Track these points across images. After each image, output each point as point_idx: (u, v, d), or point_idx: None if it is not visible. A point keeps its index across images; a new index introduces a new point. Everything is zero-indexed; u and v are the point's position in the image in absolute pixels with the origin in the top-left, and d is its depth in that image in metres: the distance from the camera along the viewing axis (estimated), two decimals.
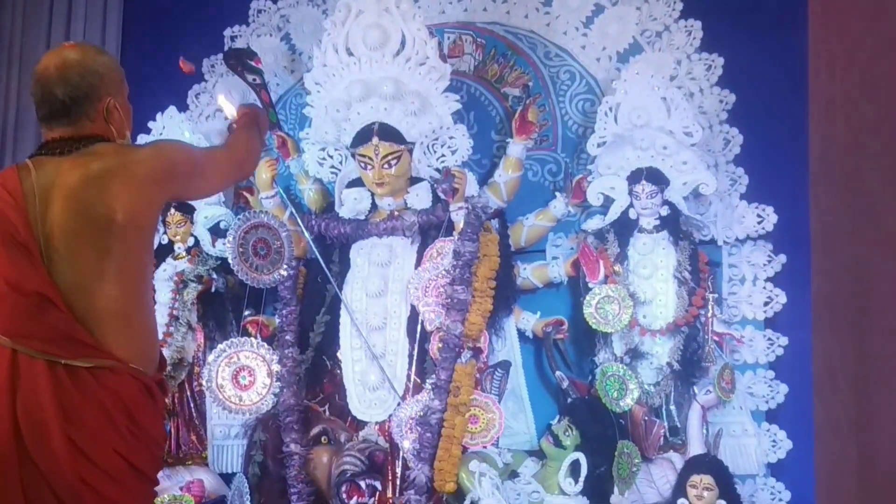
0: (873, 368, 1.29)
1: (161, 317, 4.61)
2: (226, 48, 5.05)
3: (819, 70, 1.32)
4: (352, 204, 4.45)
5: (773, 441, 4.13)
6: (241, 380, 4.35)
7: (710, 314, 4.14)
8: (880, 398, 1.21)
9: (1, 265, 2.59)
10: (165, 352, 4.49)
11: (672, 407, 4.14)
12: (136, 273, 2.67)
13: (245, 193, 4.71)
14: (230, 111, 3.37)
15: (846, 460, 1.24)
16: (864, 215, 1.31)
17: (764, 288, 4.24)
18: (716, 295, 4.21)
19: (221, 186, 3.35)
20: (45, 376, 2.52)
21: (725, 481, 3.94)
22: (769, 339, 4.21)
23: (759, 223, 4.26)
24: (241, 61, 4.82)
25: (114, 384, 2.57)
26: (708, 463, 3.98)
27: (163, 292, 4.64)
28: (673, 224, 4.25)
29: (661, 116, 4.24)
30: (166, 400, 4.33)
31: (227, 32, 5.18)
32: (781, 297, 4.21)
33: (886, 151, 1.32)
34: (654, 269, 4.21)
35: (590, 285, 4.22)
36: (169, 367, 4.52)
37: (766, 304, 4.23)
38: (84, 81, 2.69)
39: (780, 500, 4.08)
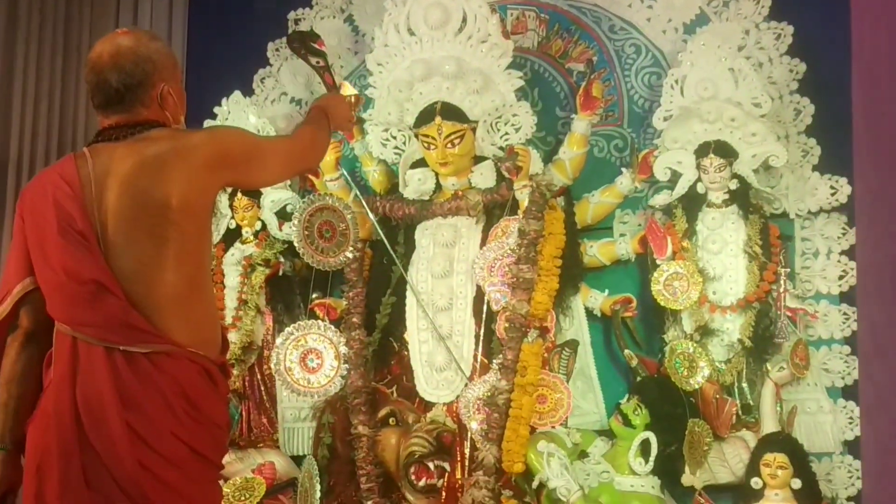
0: None
1: (230, 301, 4.66)
2: (289, 31, 5.04)
3: (863, 36, 1.24)
4: (416, 185, 4.43)
5: (850, 418, 4.01)
6: (310, 362, 4.35)
7: (782, 289, 4.05)
8: None
9: (59, 254, 2.59)
10: (234, 336, 4.53)
11: (744, 384, 4.06)
12: (193, 258, 2.65)
13: (311, 177, 4.71)
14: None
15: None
16: None
17: (838, 261, 4.13)
18: (788, 269, 4.12)
19: (282, 176, 3.26)
20: (103, 362, 2.54)
21: (800, 460, 3.86)
22: (844, 313, 4.09)
23: (833, 195, 4.14)
24: (305, 44, 4.80)
25: (171, 369, 2.57)
26: (782, 441, 3.89)
27: (231, 276, 4.68)
28: (742, 198, 4.16)
29: (728, 88, 4.16)
30: (232, 383, 4.40)
31: (291, 16, 5.18)
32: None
33: None
34: (724, 244, 4.13)
35: (658, 262, 4.15)
36: (238, 351, 4.56)
37: (840, 277, 4.11)
38: (137, 68, 2.68)
39: (858, 478, 3.96)
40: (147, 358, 2.55)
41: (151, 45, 2.75)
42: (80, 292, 2.58)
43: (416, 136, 4.37)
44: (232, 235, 4.75)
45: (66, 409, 2.54)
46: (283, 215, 4.69)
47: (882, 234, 1.28)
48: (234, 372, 4.46)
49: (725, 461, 4.01)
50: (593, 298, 4.33)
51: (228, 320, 4.57)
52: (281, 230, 4.64)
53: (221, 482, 2.97)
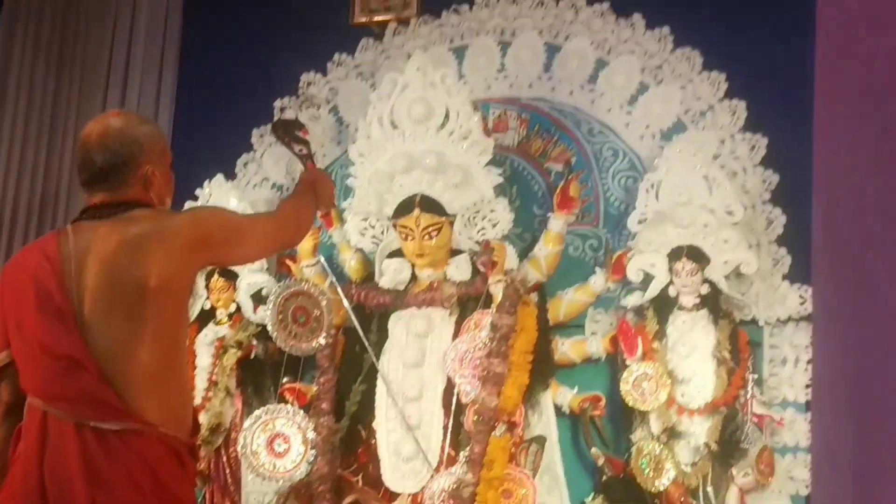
0: (874, 455, 1.23)
1: (201, 381, 4.63)
2: (274, 119, 5.09)
3: (823, 153, 1.29)
4: (392, 274, 4.44)
5: None
6: (277, 447, 4.30)
7: (749, 395, 4.06)
8: (882, 487, 1.15)
9: (35, 329, 2.59)
10: (203, 417, 4.49)
11: (709, 489, 4.02)
12: (169, 339, 2.65)
13: (287, 261, 4.72)
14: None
15: None
16: (867, 299, 1.26)
17: (805, 370, 4.12)
18: (756, 376, 4.12)
19: (263, 254, 3.30)
20: (72, 438, 2.52)
21: None
22: (810, 422, 4.10)
23: (801, 304, 4.17)
24: (289, 132, 4.83)
25: (140, 447, 2.55)
26: None
27: (203, 357, 4.66)
28: (713, 303, 4.18)
29: (702, 195, 4.20)
30: (200, 465, 4.34)
31: (277, 104, 5.22)
32: None
33: (890, 238, 1.27)
34: (693, 347, 4.13)
35: (628, 362, 4.15)
36: (206, 433, 4.50)
37: (807, 386, 4.10)
38: (124, 149, 2.70)
39: None
40: (117, 436, 2.53)
41: (140, 127, 2.78)
42: (54, 367, 2.57)
43: (395, 226, 4.38)
44: (206, 316, 4.73)
45: (34, 484, 2.52)
46: (258, 298, 4.68)
47: (837, 349, 1.30)
48: (201, 454, 4.41)
49: None
50: (562, 395, 4.31)
51: (198, 401, 4.53)
52: (255, 313, 4.63)
53: None
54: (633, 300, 4.30)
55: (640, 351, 4.15)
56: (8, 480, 2.57)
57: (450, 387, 4.22)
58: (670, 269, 4.21)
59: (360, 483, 4.29)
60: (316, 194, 3.10)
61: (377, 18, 5.17)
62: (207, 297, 4.74)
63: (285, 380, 4.48)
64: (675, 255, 4.20)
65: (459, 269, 4.35)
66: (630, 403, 4.09)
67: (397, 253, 4.45)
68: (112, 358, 2.56)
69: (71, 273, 2.59)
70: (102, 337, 2.57)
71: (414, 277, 4.42)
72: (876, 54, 1.45)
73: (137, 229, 2.61)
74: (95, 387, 2.54)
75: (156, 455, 2.57)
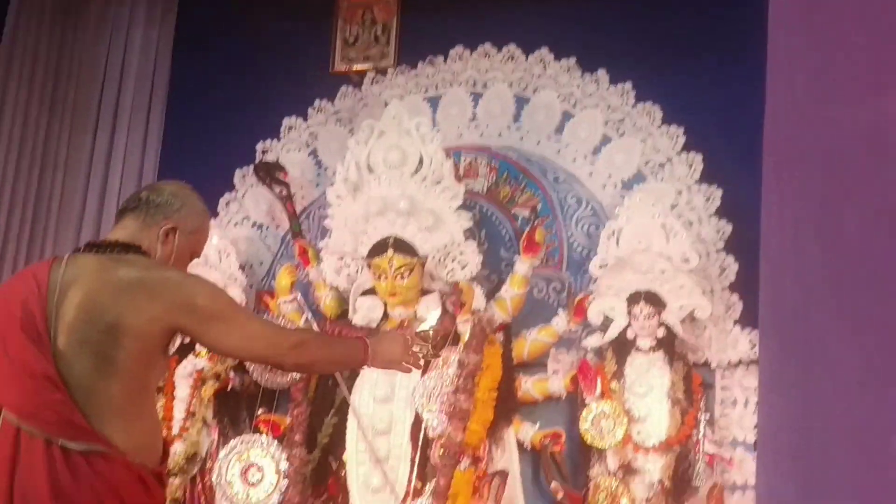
0: (814, 497, 1.26)
1: (178, 412, 4.61)
2: (257, 161, 5.11)
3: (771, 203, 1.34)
4: (365, 312, 4.44)
5: None
6: (251, 477, 4.29)
7: (701, 434, 4.09)
8: None
9: (18, 348, 2.62)
10: (180, 446, 4.47)
11: None
12: (137, 379, 2.65)
13: (266, 297, 4.72)
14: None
15: None
16: (809, 347, 1.30)
17: (754, 411, 4.15)
18: (708, 416, 4.16)
19: (241, 354, 3.03)
20: (41, 455, 2.54)
21: None
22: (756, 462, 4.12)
23: (752, 349, 4.21)
24: (270, 174, 4.91)
25: (105, 470, 2.58)
26: None
27: (182, 388, 4.63)
28: (668, 345, 4.20)
29: (660, 242, 4.24)
30: (174, 492, 4.33)
31: (259, 146, 5.23)
32: None
33: (831, 292, 1.32)
34: (650, 388, 4.14)
35: (587, 401, 4.16)
36: (182, 461, 4.49)
37: (755, 427, 4.14)
38: (167, 199, 2.76)
39: None
40: (84, 457, 2.55)
41: (192, 200, 2.84)
42: (31, 385, 2.59)
43: (369, 266, 4.39)
44: (185, 349, 4.69)
45: (3, 495, 2.55)
46: None
47: (781, 394, 1.34)
48: (177, 482, 4.40)
49: None
50: (525, 431, 4.31)
51: (176, 430, 4.51)
52: None
53: None
54: (593, 341, 4.32)
55: (598, 390, 4.16)
56: None
57: (418, 421, 4.22)
58: (629, 313, 4.23)
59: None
60: (372, 354, 2.88)
61: (356, 67, 5.21)
62: None
63: (260, 411, 4.48)
64: (633, 299, 4.22)
65: (429, 309, 4.35)
66: (589, 441, 4.09)
67: (370, 291, 4.46)
68: (82, 387, 2.58)
69: (52, 301, 2.61)
70: (72, 368, 2.59)
71: (386, 315, 4.42)
72: (820, 124, 1.50)
73: (125, 273, 2.62)
74: (66, 408, 2.55)
75: (120, 478, 2.59)
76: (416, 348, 2.94)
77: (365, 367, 2.99)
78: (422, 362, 3.04)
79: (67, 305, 2.60)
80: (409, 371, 3.09)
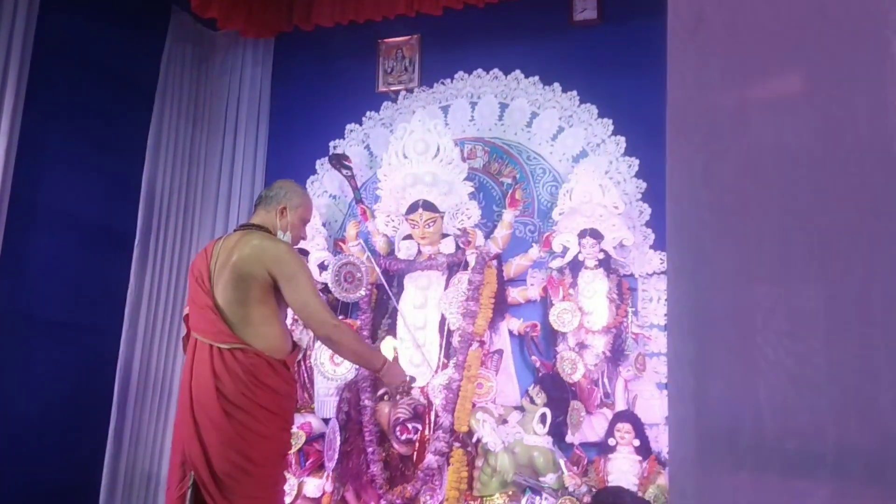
0: (706, 355, 1.26)
1: (288, 318, 4.61)
2: (330, 153, 5.08)
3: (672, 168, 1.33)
4: (405, 250, 4.44)
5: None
6: (335, 359, 4.33)
7: (630, 321, 4.09)
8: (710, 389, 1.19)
9: (195, 293, 2.84)
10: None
11: (606, 380, 4.07)
12: (262, 303, 2.78)
13: (340, 243, 4.72)
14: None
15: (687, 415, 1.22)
16: (699, 258, 1.29)
17: (664, 304, 4.15)
18: (633, 308, 4.16)
19: (296, 310, 2.80)
20: (206, 353, 2.74)
21: (639, 427, 3.87)
22: (667, 336, 4.12)
23: (661, 263, 4.20)
24: (339, 161, 4.88)
25: (242, 359, 2.75)
26: (628, 415, 3.91)
27: None
28: (606, 264, 4.20)
29: (598, 196, 4.21)
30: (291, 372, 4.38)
31: (331, 143, 5.19)
32: None
33: (714, 221, 1.31)
34: (594, 292, 4.15)
35: (553, 302, 4.17)
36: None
37: (665, 315, 4.14)
38: (276, 190, 2.97)
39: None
40: (230, 352, 2.73)
41: (291, 184, 3.04)
42: (200, 312, 2.81)
43: (406, 220, 4.39)
44: None
45: (187, 377, 2.78)
46: (322, 266, 4.68)
47: (681, 291, 1.33)
48: None
49: (592, 427, 4.01)
50: (513, 323, 4.33)
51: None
52: (320, 276, 4.63)
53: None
54: (556, 263, 4.32)
55: (561, 295, 4.18)
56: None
57: (443, 319, 4.24)
58: (579, 244, 4.22)
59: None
60: (384, 371, 2.92)
61: (393, 88, 5.15)
62: None
63: (341, 317, 4.49)
64: (582, 234, 4.22)
65: (448, 246, 4.36)
66: (555, 327, 4.12)
67: (409, 237, 4.45)
68: (229, 311, 2.77)
69: (213, 261, 2.82)
70: (223, 298, 2.78)
71: (419, 251, 4.43)
72: (703, 108, 1.47)
73: (251, 242, 2.79)
74: (219, 324, 2.74)
75: (253, 363, 2.74)
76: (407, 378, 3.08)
77: (377, 373, 2.97)
78: (403, 394, 3.42)
79: (220, 264, 2.80)
80: (396, 395, 3.57)
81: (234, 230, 2.96)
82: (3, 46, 4.08)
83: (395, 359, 3.17)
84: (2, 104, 4.05)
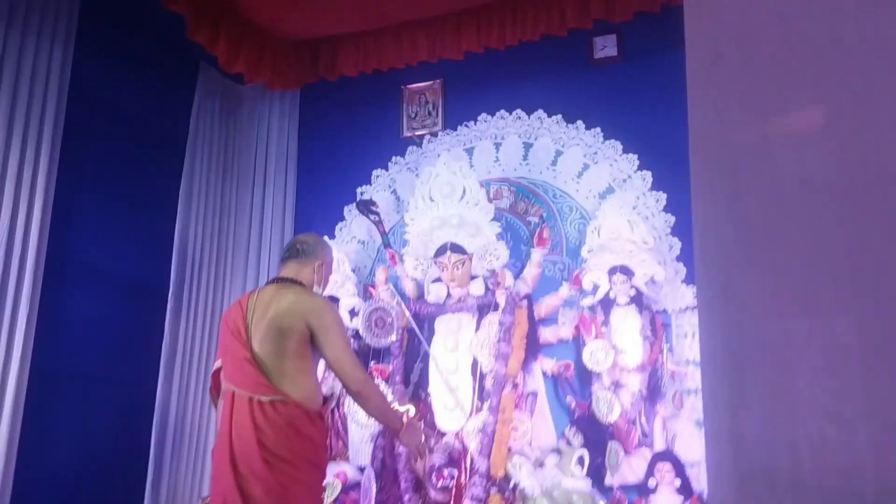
0: (740, 392, 1.25)
1: (320, 366, 4.63)
2: (357, 199, 5.14)
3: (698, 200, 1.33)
4: (435, 293, 4.44)
5: None
6: None
7: (665, 358, 4.04)
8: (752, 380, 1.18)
9: (231, 346, 2.87)
10: (324, 388, 4.50)
11: (643, 419, 4.00)
12: (299, 356, 2.83)
13: (370, 288, 4.74)
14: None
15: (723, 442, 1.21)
16: (727, 294, 1.29)
17: (698, 340, 4.09)
18: (668, 345, 4.10)
19: (330, 363, 2.88)
20: (246, 405, 2.76)
21: (679, 467, 3.80)
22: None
23: (694, 298, 4.14)
24: (367, 207, 4.93)
25: (283, 410, 2.76)
26: (668, 455, 3.84)
27: None
28: (638, 300, 4.15)
29: (627, 232, 4.20)
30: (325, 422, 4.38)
31: (358, 190, 5.25)
32: None
33: (743, 259, 1.30)
34: (627, 330, 4.10)
35: (586, 341, 4.14)
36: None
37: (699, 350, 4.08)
38: (312, 246, 3.04)
39: None
40: (271, 405, 2.76)
41: (322, 240, 3.14)
42: (237, 365, 2.84)
43: (435, 263, 4.39)
44: None
45: (226, 430, 2.78)
46: (353, 312, 4.69)
47: (711, 326, 1.32)
48: None
49: (632, 468, 3.93)
50: (546, 364, 4.29)
51: (319, 377, 4.54)
52: (351, 322, 4.65)
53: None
54: (587, 301, 4.29)
55: (593, 333, 4.14)
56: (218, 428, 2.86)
57: (475, 362, 4.22)
58: (609, 281, 4.19)
59: (422, 426, 4.26)
60: (402, 432, 2.98)
61: (418, 133, 5.21)
62: None
63: (373, 363, 4.50)
64: (612, 271, 4.19)
65: (477, 288, 4.35)
66: (589, 367, 4.07)
67: (438, 279, 4.46)
68: (267, 363, 2.81)
69: (250, 315, 2.88)
70: (261, 352, 2.82)
71: (449, 294, 4.42)
72: (725, 145, 1.48)
73: (288, 298, 2.86)
74: (258, 376, 2.77)
75: (293, 414, 2.76)
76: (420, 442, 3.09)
77: (399, 430, 2.99)
78: (418, 457, 3.40)
79: (258, 317, 2.85)
80: (415, 457, 3.50)
81: (267, 283, 3.02)
82: (38, 103, 4.19)
83: (413, 420, 3.14)
84: (38, 163, 4.15)
